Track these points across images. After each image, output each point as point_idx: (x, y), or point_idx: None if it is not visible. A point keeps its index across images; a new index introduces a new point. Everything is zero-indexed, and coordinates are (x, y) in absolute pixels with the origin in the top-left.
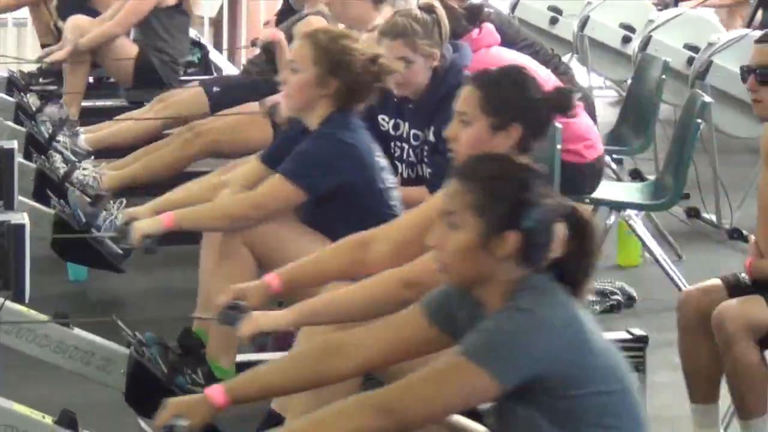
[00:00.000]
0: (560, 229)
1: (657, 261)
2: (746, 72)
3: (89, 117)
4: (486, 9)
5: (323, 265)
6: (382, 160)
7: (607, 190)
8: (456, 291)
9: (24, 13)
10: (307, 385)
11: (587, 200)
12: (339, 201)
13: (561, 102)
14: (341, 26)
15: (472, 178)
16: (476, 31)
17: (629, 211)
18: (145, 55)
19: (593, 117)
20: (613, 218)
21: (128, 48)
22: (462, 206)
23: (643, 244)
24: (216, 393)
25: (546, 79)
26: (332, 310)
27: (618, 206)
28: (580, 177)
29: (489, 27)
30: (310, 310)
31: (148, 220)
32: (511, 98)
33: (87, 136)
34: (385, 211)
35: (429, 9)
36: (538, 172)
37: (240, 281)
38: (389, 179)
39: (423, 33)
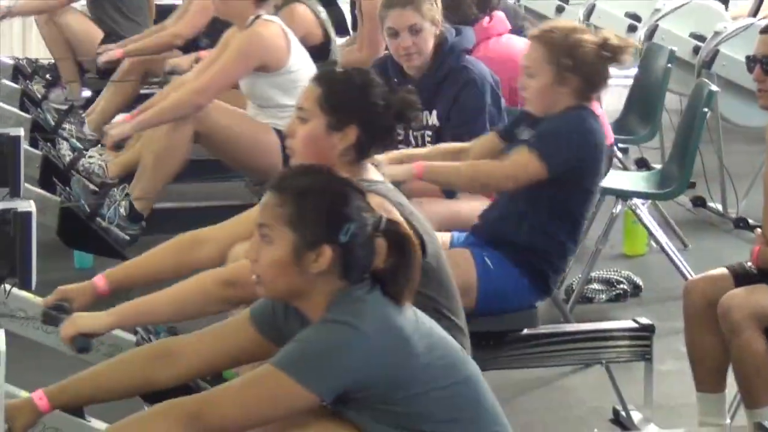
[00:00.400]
0: (380, 242)
1: (663, 250)
2: (752, 62)
3: None
4: None
5: (152, 264)
6: (603, 166)
7: (613, 178)
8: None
9: None
10: (135, 390)
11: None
12: (557, 187)
13: (404, 112)
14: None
15: (286, 191)
16: (486, 19)
17: (635, 200)
18: (109, 41)
19: None
20: (619, 207)
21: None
22: (275, 219)
23: (649, 233)
24: (38, 397)
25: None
26: (153, 310)
27: (624, 195)
28: None
29: (499, 15)
30: (131, 312)
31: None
32: (350, 99)
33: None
34: (580, 211)
35: None
36: (356, 186)
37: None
38: (598, 185)
39: (424, 1)
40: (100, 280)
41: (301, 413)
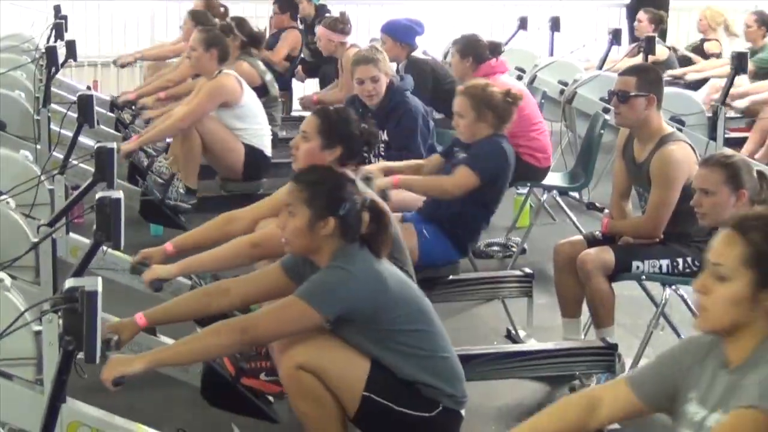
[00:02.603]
0: (365, 215)
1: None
2: (611, 94)
3: None
4: (502, 45)
5: (202, 235)
6: (511, 173)
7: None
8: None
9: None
10: (199, 313)
11: (527, 185)
12: (480, 189)
13: (369, 139)
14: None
15: (304, 182)
16: (494, 60)
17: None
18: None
19: None
20: (545, 196)
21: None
22: (297, 201)
23: (532, 211)
24: (139, 317)
25: (521, 88)
26: (203, 265)
27: (549, 188)
28: (534, 174)
29: (502, 59)
30: (189, 265)
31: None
32: (339, 128)
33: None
34: (493, 203)
35: (376, 48)
36: (350, 178)
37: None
38: (506, 185)
39: (381, 59)
40: (168, 246)
41: (309, 331)
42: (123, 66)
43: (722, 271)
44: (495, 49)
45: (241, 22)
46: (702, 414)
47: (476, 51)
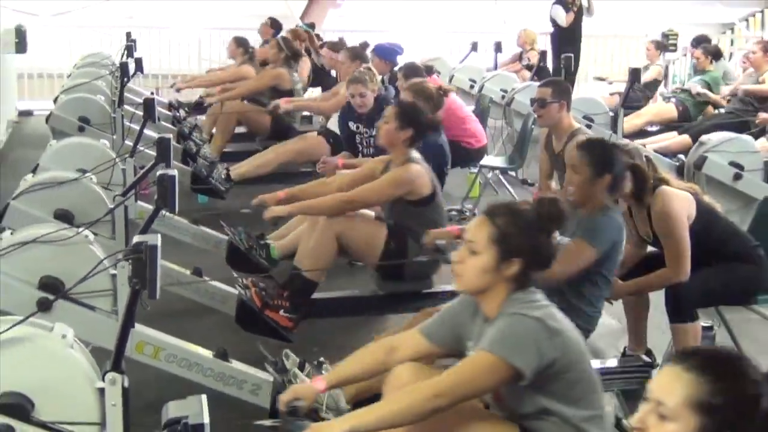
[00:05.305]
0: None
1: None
2: (533, 102)
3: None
4: (434, 68)
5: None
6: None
7: (487, 159)
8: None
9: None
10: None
11: (478, 165)
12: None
13: (436, 125)
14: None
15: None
16: (427, 78)
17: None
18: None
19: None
20: (490, 174)
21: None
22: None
23: (481, 186)
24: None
25: (468, 113)
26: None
27: (493, 168)
28: (471, 155)
29: (434, 77)
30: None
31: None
32: (411, 114)
33: (236, 172)
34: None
35: (369, 68)
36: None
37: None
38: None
39: (368, 79)
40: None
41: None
42: (179, 90)
43: (474, 247)
44: (429, 70)
45: (287, 41)
46: None
47: (416, 73)
